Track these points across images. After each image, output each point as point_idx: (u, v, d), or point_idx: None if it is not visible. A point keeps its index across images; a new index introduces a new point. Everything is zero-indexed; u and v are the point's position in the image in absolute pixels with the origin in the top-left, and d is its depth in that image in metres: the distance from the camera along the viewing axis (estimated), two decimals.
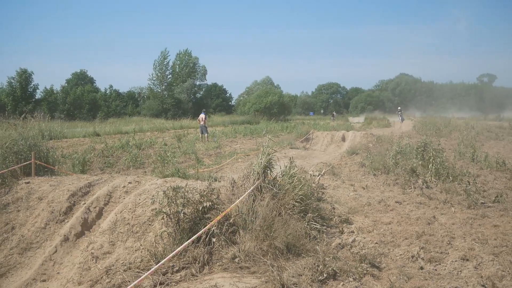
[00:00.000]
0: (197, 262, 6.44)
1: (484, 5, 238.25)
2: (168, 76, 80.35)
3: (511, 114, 60.64)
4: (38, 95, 64.24)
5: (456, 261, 6.66)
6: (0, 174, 10.22)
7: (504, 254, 6.93)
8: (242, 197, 7.38)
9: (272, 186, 7.79)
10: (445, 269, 6.48)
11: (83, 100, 64.60)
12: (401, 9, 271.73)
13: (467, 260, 6.70)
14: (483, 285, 5.98)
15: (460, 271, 6.38)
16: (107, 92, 76.30)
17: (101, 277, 6.83)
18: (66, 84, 69.96)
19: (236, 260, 6.47)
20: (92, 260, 7.42)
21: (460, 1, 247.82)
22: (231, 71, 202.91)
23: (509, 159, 14.98)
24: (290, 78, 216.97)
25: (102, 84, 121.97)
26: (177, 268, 6.36)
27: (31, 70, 61.99)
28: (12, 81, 60.35)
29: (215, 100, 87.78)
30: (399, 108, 52.11)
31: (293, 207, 7.61)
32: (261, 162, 7.92)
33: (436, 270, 6.46)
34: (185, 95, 77.98)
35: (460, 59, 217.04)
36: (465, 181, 11.28)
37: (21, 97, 59.45)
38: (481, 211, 9.24)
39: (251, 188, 7.56)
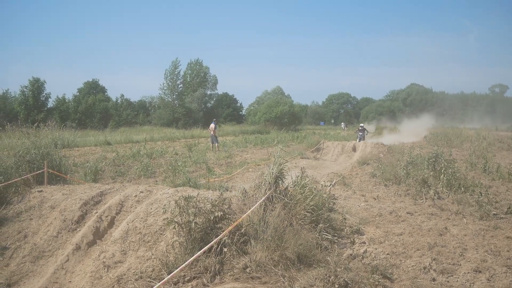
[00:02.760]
0: (208, 272, 6.44)
1: (496, 15, 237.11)
2: (179, 86, 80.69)
3: None
4: (50, 104, 64.68)
5: (468, 272, 6.63)
6: (13, 183, 10.30)
7: None
8: (254, 207, 7.38)
9: (283, 196, 7.81)
10: (457, 280, 6.45)
11: (95, 109, 64.88)
12: (412, 19, 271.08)
13: (480, 272, 6.67)
14: None
15: (473, 283, 6.35)
16: (119, 101, 76.56)
17: (113, 286, 6.84)
18: (78, 93, 70.20)
19: (248, 270, 6.47)
20: (104, 269, 7.43)
21: (471, 12, 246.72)
22: (242, 81, 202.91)
23: None
24: (301, 88, 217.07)
25: (113, 93, 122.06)
26: (188, 277, 6.37)
27: (43, 79, 62.34)
28: (25, 90, 60.84)
29: (226, 110, 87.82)
30: (361, 125, 38.65)
31: (304, 217, 7.62)
32: (272, 172, 7.93)
33: (448, 281, 6.43)
34: (196, 104, 78.12)
35: (472, 69, 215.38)
36: (477, 192, 11.21)
37: (34, 106, 59.85)
38: (493, 223, 9.20)
39: (263, 198, 7.56)
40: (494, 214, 9.86)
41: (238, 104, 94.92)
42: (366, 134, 37.46)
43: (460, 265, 6.94)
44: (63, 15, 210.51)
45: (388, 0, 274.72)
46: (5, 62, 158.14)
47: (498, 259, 7.17)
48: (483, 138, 29.61)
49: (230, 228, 6.92)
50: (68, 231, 8.76)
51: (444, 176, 12.34)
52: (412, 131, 41.30)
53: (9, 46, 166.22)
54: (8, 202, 9.95)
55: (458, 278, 6.52)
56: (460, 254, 7.36)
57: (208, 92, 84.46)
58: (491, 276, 6.53)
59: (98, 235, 8.42)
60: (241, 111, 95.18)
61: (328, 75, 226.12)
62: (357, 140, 35.13)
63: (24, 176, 10.67)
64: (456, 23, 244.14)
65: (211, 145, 29.74)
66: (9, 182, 10.23)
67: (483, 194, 10.92)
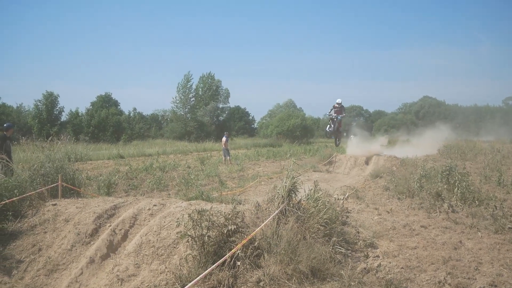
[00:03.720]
0: (222, 285, 6.43)
1: (508, 27, 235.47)
2: (191, 99, 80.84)
3: None
4: (64, 117, 65.38)
5: (484, 287, 6.58)
6: (27, 196, 10.37)
7: None
8: (267, 220, 7.38)
9: (296, 209, 7.80)
10: None
11: (107, 123, 65.15)
12: (423, 32, 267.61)
13: (495, 286, 6.62)
14: None
15: None
16: (131, 114, 76.86)
17: None
18: (91, 107, 70.51)
19: (261, 284, 6.46)
20: (118, 282, 7.45)
21: (484, 24, 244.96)
22: (253, 94, 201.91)
23: None
24: (313, 101, 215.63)
25: (126, 107, 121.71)
26: None
27: (57, 93, 63.10)
28: (39, 104, 61.55)
29: (238, 123, 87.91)
30: (338, 101, 27.03)
31: (317, 230, 7.60)
32: (285, 185, 7.93)
33: None
34: (208, 117, 78.22)
35: (485, 81, 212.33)
36: (492, 205, 11.14)
37: (47, 120, 60.44)
38: (508, 236, 9.11)
39: (276, 211, 7.57)
40: (509, 228, 9.75)
41: (250, 117, 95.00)
42: (342, 116, 26.90)
43: (476, 279, 6.88)
44: (76, 29, 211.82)
45: (399, 14, 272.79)
46: (19, 76, 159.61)
47: None
48: (497, 151, 29.31)
49: (243, 241, 6.93)
50: (82, 244, 8.81)
51: (458, 189, 12.24)
52: (425, 144, 39.95)
53: (23, 60, 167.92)
54: (22, 215, 10.01)
55: None
56: (475, 268, 7.30)
57: (220, 106, 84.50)
58: None
59: (112, 248, 8.46)
60: (253, 124, 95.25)
61: (340, 88, 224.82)
62: (328, 128, 27.43)
63: (38, 189, 10.73)
64: (469, 35, 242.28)
65: (223, 158, 29.86)
66: (24, 195, 10.31)
67: (498, 207, 10.84)
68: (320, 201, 8.17)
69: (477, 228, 9.74)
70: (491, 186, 14.81)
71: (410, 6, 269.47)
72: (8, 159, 12.68)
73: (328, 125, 24.35)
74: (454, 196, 12.04)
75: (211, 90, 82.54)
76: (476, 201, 11.73)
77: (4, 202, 9.84)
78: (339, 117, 26.17)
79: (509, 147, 34.38)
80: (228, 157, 29.35)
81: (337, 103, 26.39)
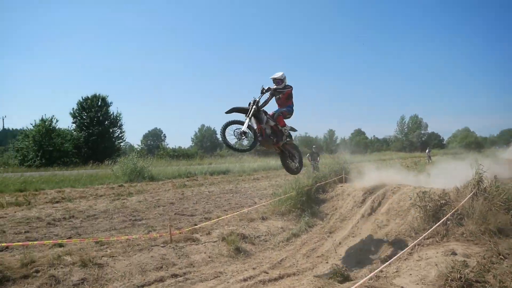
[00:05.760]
0: (439, 234, 6.21)
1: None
2: (405, 129, 78.38)
3: None
4: None
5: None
6: (328, 182, 11.12)
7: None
8: (465, 200, 6.80)
9: (483, 192, 6.98)
10: None
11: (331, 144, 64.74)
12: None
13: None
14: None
15: None
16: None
17: (383, 237, 7.08)
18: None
19: (464, 235, 6.05)
20: (377, 228, 7.69)
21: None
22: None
23: None
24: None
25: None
26: (427, 237, 6.23)
27: None
28: None
29: (433, 141, 78.68)
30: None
31: (499, 206, 6.68)
32: (475, 178, 7.17)
33: None
34: (416, 139, 74.71)
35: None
36: None
37: None
38: None
39: (470, 194, 6.92)
40: None
41: (441, 138, 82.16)
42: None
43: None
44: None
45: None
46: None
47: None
48: None
49: (453, 211, 6.54)
50: (357, 207, 9.22)
51: None
52: None
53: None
54: (326, 191, 10.78)
55: None
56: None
57: (422, 132, 78.65)
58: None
59: (372, 210, 8.67)
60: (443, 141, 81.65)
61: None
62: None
63: (333, 178, 11.46)
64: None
65: (427, 161, 27.13)
66: (326, 181, 11.13)
67: None
68: (500, 187, 7.13)
69: None
70: None
71: None
72: (316, 164, 13.85)
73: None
74: None
75: (416, 124, 78.17)
76: None
77: (318, 183, 10.82)
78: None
79: None
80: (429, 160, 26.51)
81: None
